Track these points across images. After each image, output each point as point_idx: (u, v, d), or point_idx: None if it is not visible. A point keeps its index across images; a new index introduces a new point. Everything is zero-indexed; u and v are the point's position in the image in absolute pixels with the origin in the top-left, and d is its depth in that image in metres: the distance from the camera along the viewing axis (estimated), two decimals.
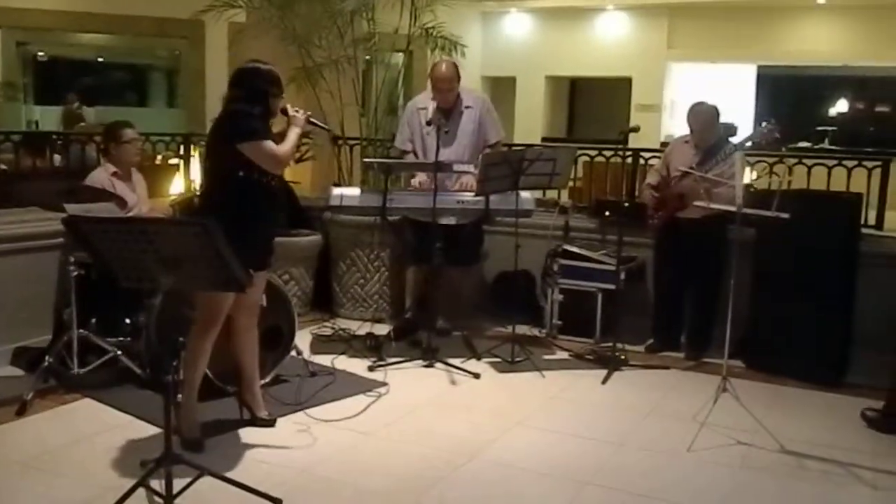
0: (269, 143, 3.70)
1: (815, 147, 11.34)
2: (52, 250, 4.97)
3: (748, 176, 5.50)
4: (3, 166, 5.79)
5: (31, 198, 4.97)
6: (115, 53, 14.62)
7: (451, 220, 5.22)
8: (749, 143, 4.95)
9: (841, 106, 13.24)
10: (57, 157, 6.22)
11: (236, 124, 3.72)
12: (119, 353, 4.38)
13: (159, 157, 7.25)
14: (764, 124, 4.76)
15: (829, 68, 12.18)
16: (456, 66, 5.44)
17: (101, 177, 4.77)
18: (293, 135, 3.85)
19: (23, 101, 12.54)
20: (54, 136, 7.09)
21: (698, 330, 5.33)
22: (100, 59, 14.79)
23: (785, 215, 3.94)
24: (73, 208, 4.04)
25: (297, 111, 3.92)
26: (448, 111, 5.36)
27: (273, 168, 3.74)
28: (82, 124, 10.82)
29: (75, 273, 4.29)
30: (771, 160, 5.72)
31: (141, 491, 3.09)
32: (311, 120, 4.03)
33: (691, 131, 5.29)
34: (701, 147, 5.18)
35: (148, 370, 4.35)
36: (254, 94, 3.76)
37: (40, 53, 13.49)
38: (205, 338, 3.72)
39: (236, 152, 3.64)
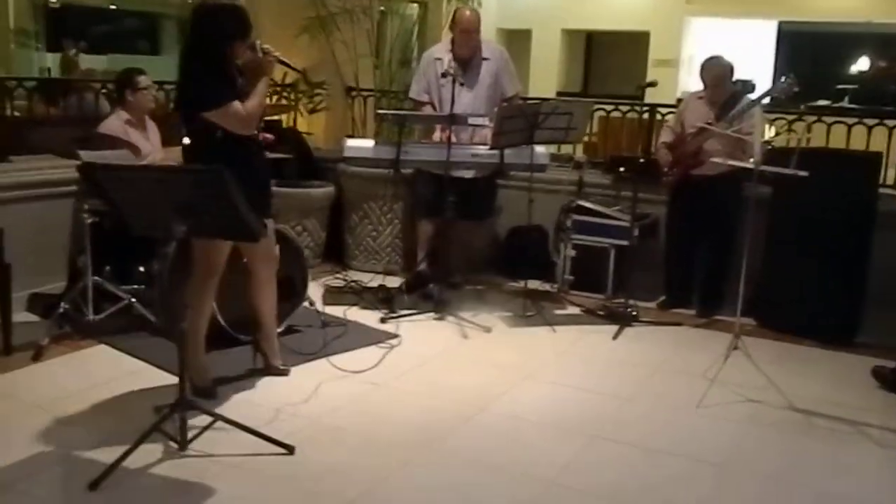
0: (234, 106, 3.46)
1: (835, 105, 11.18)
2: (66, 197, 4.98)
3: (767, 132, 5.44)
4: (17, 113, 5.76)
5: (45, 145, 4.96)
6: (127, 1, 14.50)
7: (465, 174, 5.19)
8: (767, 98, 4.87)
9: (862, 64, 13.01)
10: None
11: (197, 92, 3.51)
12: (133, 300, 4.41)
13: (172, 104, 7.20)
14: (783, 78, 4.69)
15: (852, 25, 11.95)
16: (479, 15, 5.39)
17: (115, 124, 4.75)
18: (262, 86, 3.57)
19: (35, 47, 12.47)
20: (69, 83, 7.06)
21: (710, 287, 5.32)
22: (112, 7, 14.68)
23: (803, 173, 3.89)
24: (87, 155, 4.03)
25: (265, 49, 3.59)
26: (466, 62, 5.30)
27: (242, 129, 3.52)
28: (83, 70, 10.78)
29: (89, 220, 4.30)
30: (790, 117, 5.64)
31: (155, 436, 3.14)
32: (282, 59, 3.69)
33: (704, 87, 5.22)
34: (715, 103, 5.11)
35: (161, 317, 4.38)
36: (209, 43, 3.49)
37: (52, 0, 13.38)
38: (204, 287, 3.70)
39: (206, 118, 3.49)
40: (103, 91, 5.98)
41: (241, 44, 3.56)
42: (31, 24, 12.41)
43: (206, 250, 3.64)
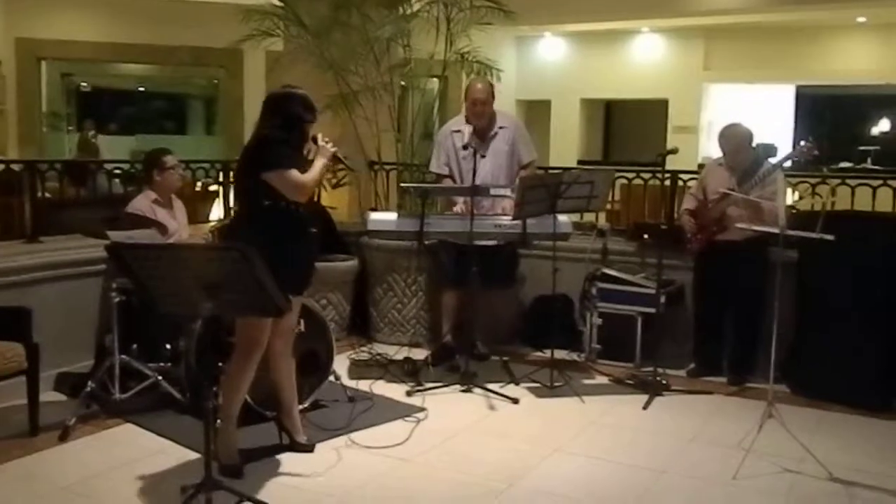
0: (293, 173, 3.69)
1: (858, 167, 11.15)
2: (94, 277, 5.04)
3: (790, 197, 5.42)
4: (48, 194, 5.89)
5: (74, 225, 5.05)
6: (155, 83, 14.92)
7: (488, 243, 5.20)
8: (788, 162, 4.87)
9: (883, 125, 13.01)
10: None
11: (263, 152, 3.73)
12: (159, 378, 4.42)
13: (199, 183, 7.34)
14: (803, 142, 4.70)
15: (870, 87, 12.00)
16: (491, 86, 5.47)
17: (142, 204, 4.83)
18: (319, 164, 3.83)
19: (66, 130, 12.81)
20: (95, 165, 7.22)
21: (740, 354, 5.24)
22: (140, 89, 15.09)
23: (829, 237, 3.86)
24: (115, 235, 4.10)
25: (326, 142, 3.90)
26: (482, 133, 5.37)
27: (294, 196, 3.72)
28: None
29: (117, 299, 4.34)
30: (813, 181, 5.62)
31: None
32: (338, 156, 3.97)
33: (724, 154, 5.23)
34: (736, 169, 5.12)
35: (188, 395, 4.37)
36: (287, 119, 3.78)
37: (83, 84, 13.79)
38: (246, 364, 3.72)
39: (262, 181, 3.66)
40: (117, 172, 6.11)
41: (309, 126, 3.85)
42: (63, 107, 12.77)
43: (248, 328, 3.67)
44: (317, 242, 4.04)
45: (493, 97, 5.40)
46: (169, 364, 4.56)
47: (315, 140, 3.90)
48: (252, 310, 3.31)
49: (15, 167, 5.62)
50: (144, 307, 4.29)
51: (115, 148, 12.19)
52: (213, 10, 9.06)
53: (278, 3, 6.44)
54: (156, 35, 10.33)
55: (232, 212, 6.09)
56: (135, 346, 4.50)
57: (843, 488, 3.72)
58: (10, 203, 5.42)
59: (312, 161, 3.85)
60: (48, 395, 4.55)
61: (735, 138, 5.16)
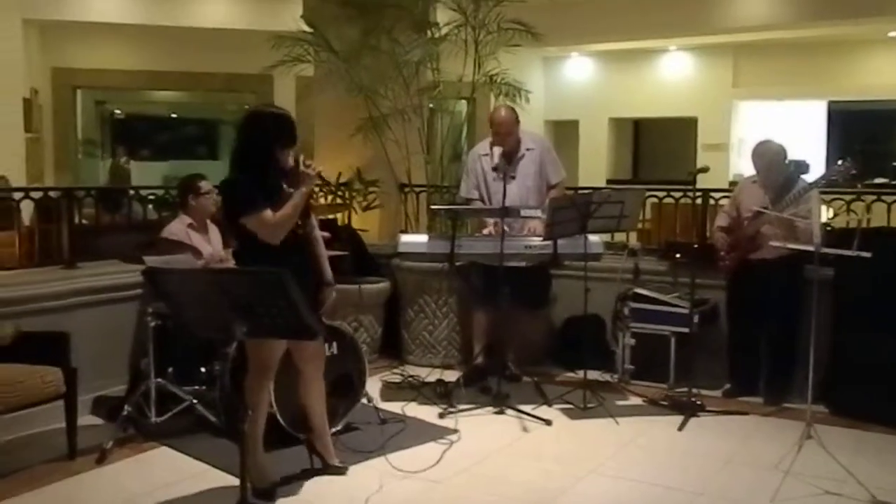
0: (264, 215, 3.53)
1: (893, 182, 11.00)
2: (131, 301, 5.11)
3: (825, 214, 5.36)
4: (85, 221, 5.99)
5: (111, 251, 5.13)
6: (187, 109, 15.15)
7: (518, 264, 5.19)
8: (823, 181, 4.82)
9: None
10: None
11: (233, 196, 3.65)
12: (195, 401, 4.45)
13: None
14: (840, 162, 4.65)
15: None
16: (514, 111, 5.48)
17: (177, 228, 4.90)
18: (296, 197, 3.59)
19: (100, 157, 13.04)
20: (130, 191, 7.33)
21: (777, 374, 5.17)
22: (173, 115, 15.33)
23: (866, 254, 3.81)
24: (151, 260, 4.15)
25: (308, 166, 3.64)
26: (510, 155, 5.38)
27: (269, 238, 3.57)
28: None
29: (153, 323, 4.40)
30: (848, 198, 5.56)
31: None
32: (323, 176, 3.80)
33: (757, 171, 5.19)
34: (769, 186, 5.08)
35: (223, 418, 4.40)
36: (250, 151, 3.62)
37: (117, 111, 14.05)
38: (261, 385, 3.73)
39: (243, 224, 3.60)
40: (151, 197, 6.19)
41: (284, 151, 3.65)
42: (98, 134, 13.01)
43: (258, 349, 3.68)
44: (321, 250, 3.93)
45: (517, 122, 5.40)
46: (204, 387, 4.59)
47: (296, 163, 3.63)
48: (287, 332, 3.33)
49: (52, 194, 5.72)
50: (179, 331, 4.34)
51: (147, 174, 12.39)
52: (243, 37, 9.21)
53: (308, 30, 6.53)
54: (187, 62, 10.52)
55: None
56: (170, 369, 4.54)
57: None
58: (48, 229, 5.52)
59: (292, 185, 3.64)
60: (86, 419, 4.60)
61: (768, 155, 5.13)
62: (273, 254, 3.59)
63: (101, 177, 12.51)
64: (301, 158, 3.66)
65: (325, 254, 3.97)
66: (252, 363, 3.74)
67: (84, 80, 11.05)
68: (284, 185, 3.66)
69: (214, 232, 5.12)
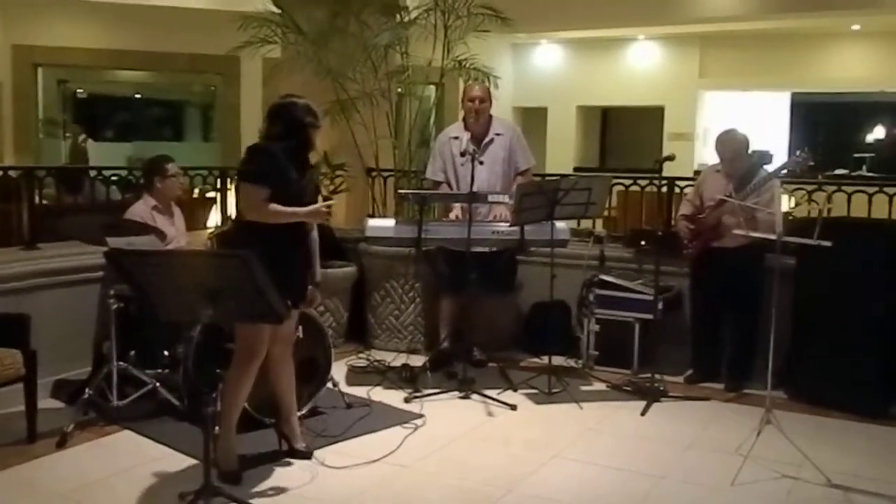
0: (260, 192, 3.64)
1: (853, 174, 11.20)
2: (92, 283, 5.04)
3: (786, 204, 5.44)
4: (45, 201, 5.89)
5: (72, 232, 5.05)
6: (151, 90, 14.90)
7: (485, 249, 5.21)
8: (784, 171, 4.89)
9: (878, 132, 13.07)
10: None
11: (245, 161, 3.77)
12: (157, 385, 4.42)
13: (196, 190, 7.34)
14: (798, 153, 4.73)
15: (865, 94, 12.05)
16: (488, 89, 5.51)
17: (141, 210, 4.84)
18: (299, 214, 3.74)
19: (62, 136, 12.80)
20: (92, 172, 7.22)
21: (738, 360, 5.25)
22: (137, 96, 15.08)
23: (827, 243, 3.87)
24: (114, 242, 4.09)
25: (328, 208, 3.85)
26: (479, 139, 5.39)
27: (249, 214, 3.70)
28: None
29: (115, 306, 4.34)
30: (809, 188, 5.64)
31: None
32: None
33: (721, 160, 5.25)
34: (733, 175, 5.14)
35: (186, 402, 4.37)
36: (291, 127, 3.77)
37: (80, 91, 13.78)
38: (246, 370, 3.72)
39: None
40: (114, 178, 6.10)
41: (315, 132, 3.84)
42: (60, 114, 12.76)
43: (247, 336, 3.67)
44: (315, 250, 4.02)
45: (490, 99, 5.43)
46: (167, 371, 4.55)
47: (319, 193, 3.86)
48: (252, 316, 3.32)
49: (12, 173, 5.61)
50: (142, 314, 4.30)
51: (111, 154, 12.16)
52: (210, 17, 9.07)
53: (276, 11, 6.45)
54: (152, 42, 10.33)
55: (229, 219, 6.09)
56: (133, 352, 4.50)
57: (841, 494, 3.73)
58: (7, 210, 5.42)
59: (311, 168, 3.85)
60: (46, 402, 4.54)
61: (732, 144, 5.18)
62: (273, 241, 3.63)
63: (62, 157, 12.27)
64: (331, 202, 3.93)
65: (317, 254, 4.06)
66: (240, 349, 3.72)
67: (46, 58, 10.80)
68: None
69: (178, 215, 5.06)
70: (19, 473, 3.81)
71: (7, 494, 3.60)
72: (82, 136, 12.28)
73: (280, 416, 4.01)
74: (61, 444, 4.09)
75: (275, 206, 3.66)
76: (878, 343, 4.83)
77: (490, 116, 5.48)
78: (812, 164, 4.63)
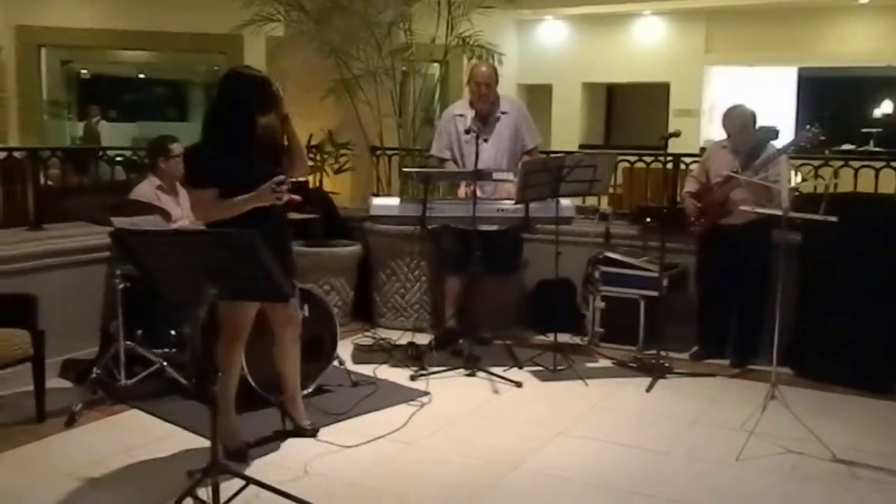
0: (205, 194, 3.53)
1: (860, 149, 11.13)
2: (98, 264, 5.06)
3: (793, 179, 5.41)
4: (51, 182, 5.90)
5: (78, 212, 5.06)
6: (155, 69, 14.85)
7: (490, 227, 5.20)
8: (792, 147, 4.86)
9: (886, 107, 12.97)
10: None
11: (186, 166, 3.76)
12: (164, 364, 4.44)
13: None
14: (808, 128, 4.69)
15: (873, 69, 11.94)
16: (495, 69, 5.47)
17: (146, 190, 4.84)
18: (241, 204, 3.50)
19: (67, 117, 12.78)
20: (97, 152, 7.22)
21: (744, 337, 5.25)
22: (140, 76, 15.04)
23: (833, 219, 3.85)
24: (119, 222, 4.10)
25: (280, 186, 3.48)
26: (485, 117, 5.36)
27: (202, 220, 3.65)
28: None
29: (122, 286, 4.35)
30: (816, 163, 5.62)
31: (188, 501, 3.12)
32: (292, 199, 3.70)
33: (727, 136, 5.22)
34: (739, 151, 5.11)
35: (193, 381, 4.39)
36: (219, 114, 3.61)
37: (83, 71, 13.75)
38: (230, 348, 3.73)
39: None
40: (119, 159, 6.09)
41: (261, 117, 3.60)
42: (64, 95, 12.74)
43: (231, 312, 3.67)
44: (288, 230, 3.91)
45: (497, 80, 5.40)
46: (174, 350, 4.57)
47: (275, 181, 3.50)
48: (258, 294, 3.32)
49: (17, 154, 5.61)
50: (149, 293, 4.30)
51: (115, 135, 12.17)
52: None
53: None
54: (156, 21, 10.28)
55: None
56: (140, 332, 4.52)
57: (845, 468, 3.74)
58: (13, 190, 5.43)
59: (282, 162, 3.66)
60: (54, 382, 4.57)
61: (738, 118, 5.15)
62: (246, 218, 3.53)
63: (67, 138, 12.27)
64: (280, 179, 3.52)
65: None
66: (224, 325, 3.72)
67: (49, 38, 10.77)
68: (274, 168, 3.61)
69: (184, 194, 5.05)
70: (28, 452, 3.84)
71: (16, 473, 3.63)
72: (96, 118, 12.29)
73: (286, 395, 4.03)
74: (70, 423, 4.12)
75: (216, 204, 3.52)
76: (883, 319, 4.82)
77: (497, 95, 5.44)
78: (823, 138, 4.59)
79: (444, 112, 5.76)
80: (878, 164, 5.56)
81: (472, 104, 5.42)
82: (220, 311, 3.70)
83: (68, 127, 12.66)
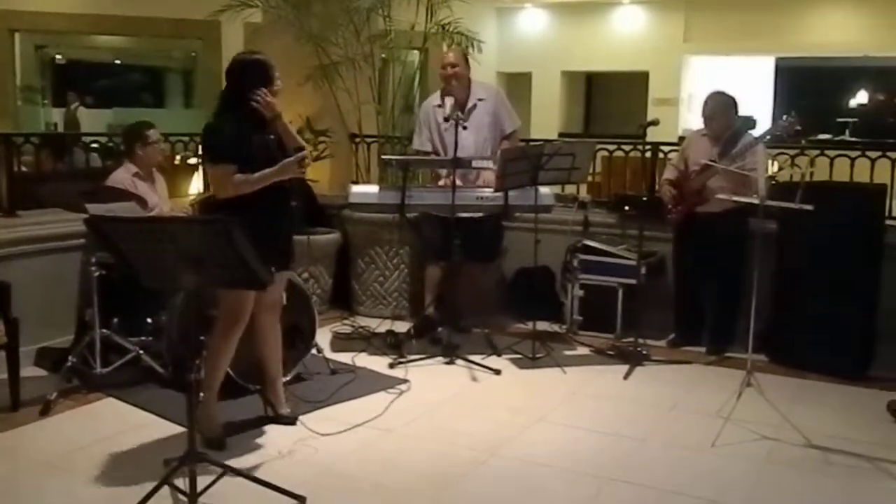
0: (226, 169, 3.59)
1: (836, 138, 11.23)
2: (74, 251, 5.00)
3: (770, 168, 5.45)
4: (25, 168, 5.81)
5: (53, 199, 4.99)
6: (131, 55, 14.71)
7: (469, 215, 5.19)
8: (769, 136, 4.89)
9: (861, 97, 13.10)
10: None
11: (203, 144, 3.76)
12: (141, 352, 4.40)
13: (178, 157, 7.27)
14: (785, 117, 4.72)
15: (849, 59, 12.06)
16: (464, 54, 5.45)
17: (122, 177, 4.78)
18: (267, 175, 3.62)
19: (41, 103, 12.63)
20: (73, 138, 7.14)
21: (720, 324, 5.29)
22: (117, 61, 14.88)
23: (809, 207, 3.89)
24: (95, 208, 4.05)
25: (300, 156, 3.69)
26: (461, 105, 5.35)
27: (221, 194, 3.65)
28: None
29: (97, 273, 4.31)
30: (792, 152, 5.66)
31: (165, 489, 3.10)
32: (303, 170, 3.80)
33: (704, 119, 5.24)
34: (718, 138, 5.13)
35: (170, 369, 4.37)
36: (231, 96, 3.70)
37: (58, 56, 13.59)
38: (228, 337, 3.72)
39: None
40: (93, 145, 6.02)
41: (258, 91, 3.67)
42: (38, 80, 12.58)
43: (237, 297, 3.65)
44: (296, 216, 3.98)
45: (467, 63, 5.38)
46: (150, 338, 4.54)
47: (285, 145, 3.72)
48: (234, 282, 3.30)
49: None
50: (125, 281, 4.26)
51: (91, 121, 12.05)
52: None
53: None
54: (132, 6, 10.15)
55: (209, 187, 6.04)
56: (115, 320, 4.48)
57: (819, 454, 3.79)
58: None
59: (279, 135, 3.74)
60: (29, 371, 4.52)
61: (715, 104, 5.16)
62: (254, 209, 3.57)
63: (41, 124, 12.13)
64: (304, 154, 3.75)
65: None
66: (227, 311, 3.70)
67: (23, 22, 10.60)
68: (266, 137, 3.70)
69: (160, 181, 5.02)
70: (3, 441, 3.80)
71: None
72: (75, 104, 12.15)
73: (265, 382, 4.02)
74: (45, 412, 4.08)
75: (240, 177, 3.60)
76: (857, 306, 4.87)
77: (469, 81, 5.42)
78: (800, 128, 4.62)
79: (423, 104, 5.74)
80: (853, 154, 5.61)
81: (445, 92, 5.39)
82: (221, 298, 3.70)
83: (43, 113, 12.51)
